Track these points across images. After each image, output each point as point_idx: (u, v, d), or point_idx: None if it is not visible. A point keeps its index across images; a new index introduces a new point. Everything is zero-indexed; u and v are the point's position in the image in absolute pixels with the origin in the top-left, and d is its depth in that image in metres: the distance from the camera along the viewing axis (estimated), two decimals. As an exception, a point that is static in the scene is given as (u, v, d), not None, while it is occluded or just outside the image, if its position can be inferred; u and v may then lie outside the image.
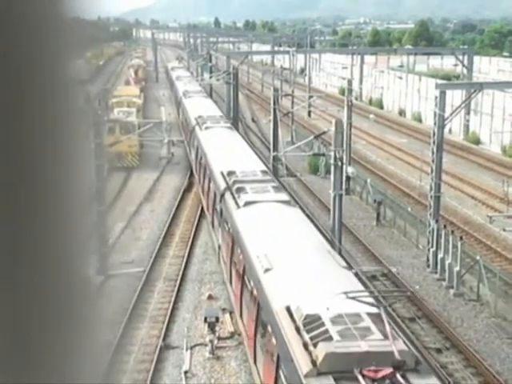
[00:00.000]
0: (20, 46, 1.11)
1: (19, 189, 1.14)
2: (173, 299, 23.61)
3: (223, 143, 32.03)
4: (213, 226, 27.16)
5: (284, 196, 22.42)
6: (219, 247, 24.57)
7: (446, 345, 20.89)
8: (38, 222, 1.16)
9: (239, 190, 22.71)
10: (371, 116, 60.50)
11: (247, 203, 21.35)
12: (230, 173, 25.07)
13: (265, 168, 27.40)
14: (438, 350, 20.51)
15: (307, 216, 23.48)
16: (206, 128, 36.12)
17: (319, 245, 17.84)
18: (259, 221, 20.02)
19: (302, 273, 15.46)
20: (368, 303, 12.91)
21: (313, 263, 16.07)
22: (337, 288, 13.58)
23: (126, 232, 31.11)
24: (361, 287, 14.94)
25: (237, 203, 21.81)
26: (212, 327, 19.93)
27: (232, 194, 22.84)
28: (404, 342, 12.00)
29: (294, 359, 11.81)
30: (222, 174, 25.65)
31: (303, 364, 11.43)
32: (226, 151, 29.92)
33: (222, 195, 23.95)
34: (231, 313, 21.77)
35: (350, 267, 17.37)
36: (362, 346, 11.35)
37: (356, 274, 16.77)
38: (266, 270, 15.95)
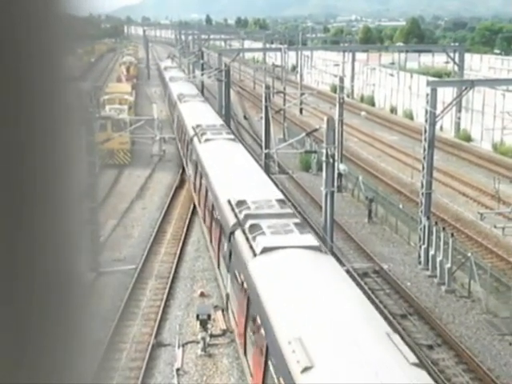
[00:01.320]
0: (10, 43, 1.11)
1: (9, 186, 1.13)
2: (165, 297, 23.60)
3: (228, 162, 27.28)
4: (218, 266, 22.76)
5: (313, 241, 17.04)
6: (227, 297, 20.25)
7: (437, 341, 20.96)
8: (28, 220, 1.16)
9: (254, 228, 18.03)
10: (363, 113, 60.46)
11: (266, 249, 16.48)
12: (240, 203, 20.50)
13: (281, 196, 22.47)
14: (430, 347, 20.57)
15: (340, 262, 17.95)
16: (206, 140, 31.53)
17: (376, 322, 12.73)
18: (284, 278, 15.03)
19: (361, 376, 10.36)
20: None
21: (372, 357, 10.89)
22: None
23: (117, 229, 31.06)
24: None
25: (252, 248, 17.01)
26: (204, 325, 19.93)
27: (245, 233, 18.16)
28: None
29: None
30: (230, 203, 21.01)
31: None
32: (233, 173, 25.25)
33: (232, 233, 19.26)
34: (223, 310, 21.77)
35: (421, 364, 12.25)
36: None
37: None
38: (305, 370, 10.80)
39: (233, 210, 20.21)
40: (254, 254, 16.48)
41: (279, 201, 20.64)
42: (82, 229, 1.31)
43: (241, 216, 19.15)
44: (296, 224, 18.09)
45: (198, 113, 40.29)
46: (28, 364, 1.18)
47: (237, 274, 17.80)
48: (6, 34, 1.10)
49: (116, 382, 18.40)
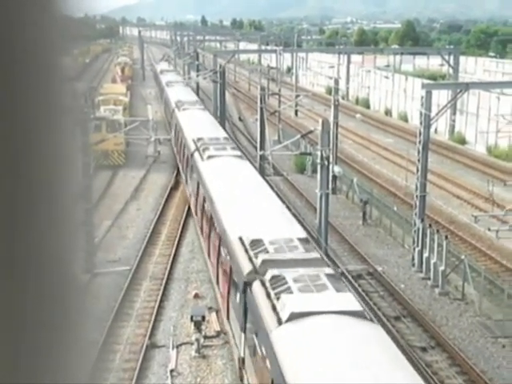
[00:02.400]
0: (5, 44, 1.11)
1: (4, 187, 1.13)
2: (159, 298, 23.58)
3: (236, 186, 23.75)
4: (228, 317, 19.07)
5: (354, 304, 13.42)
6: (242, 361, 16.37)
7: (430, 343, 20.98)
8: (23, 221, 1.16)
9: (276, 282, 14.63)
10: (358, 115, 60.50)
11: (294, 316, 12.91)
12: (255, 243, 17.16)
13: (303, 233, 18.82)
14: (423, 349, 20.59)
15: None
16: (209, 157, 28.06)
17: None
18: (319, 356, 11.72)
19: None
20: None
21: None
22: None
23: (112, 230, 31.02)
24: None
25: (276, 312, 13.46)
26: (198, 326, 19.92)
27: (265, 287, 14.68)
28: None
29: None
30: (243, 242, 17.55)
31: None
32: (243, 200, 21.77)
33: (247, 283, 15.57)
34: (217, 312, 21.75)
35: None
36: None
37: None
38: None
39: (246, 251, 16.92)
40: (279, 322, 13.04)
41: (302, 240, 17.34)
42: (77, 230, 1.31)
43: (257, 262, 15.88)
44: (329, 276, 14.71)
45: (198, 123, 36.50)
46: (23, 364, 1.18)
47: (255, 341, 14.45)
48: (1, 35, 1.10)
49: (110, 382, 18.36)
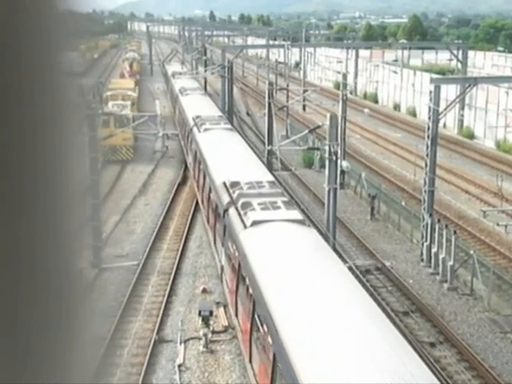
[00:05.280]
0: (13, 39, 1.10)
1: (11, 183, 1.13)
2: (167, 293, 23.61)
3: (224, 149, 28.96)
4: (214, 242, 24.59)
5: (297, 216, 19.17)
6: (222, 269, 21.90)
7: (439, 339, 20.95)
8: (31, 216, 1.16)
9: (245, 205, 19.81)
10: (366, 110, 60.55)
11: (255, 222, 18.67)
12: (234, 184, 22.33)
13: (272, 177, 24.52)
14: (432, 344, 20.56)
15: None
16: (205, 130, 32.93)
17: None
18: (271, 247, 17.17)
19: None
20: None
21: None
22: None
23: (120, 225, 31.08)
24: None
25: (243, 222, 19.04)
26: (206, 321, 19.94)
27: (237, 210, 20.02)
28: None
29: None
30: (225, 185, 22.82)
31: None
32: (229, 158, 26.99)
33: (226, 210, 21.02)
34: (225, 307, 21.78)
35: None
36: None
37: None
38: None
39: (227, 190, 21.96)
40: (245, 227, 18.37)
41: (270, 182, 22.47)
42: (85, 225, 1.31)
43: (234, 195, 20.96)
44: (284, 202, 19.80)
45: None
46: (30, 360, 1.18)
47: (230, 246, 19.58)
48: (8, 31, 1.09)
49: (118, 377, 18.41)
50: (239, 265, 17.63)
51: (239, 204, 19.93)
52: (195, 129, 34.30)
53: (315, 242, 17.31)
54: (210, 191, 25.83)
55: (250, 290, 15.57)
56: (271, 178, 23.63)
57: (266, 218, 18.38)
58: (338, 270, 15.39)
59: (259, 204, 19.46)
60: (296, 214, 18.79)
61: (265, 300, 13.92)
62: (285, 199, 20.26)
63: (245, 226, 18.40)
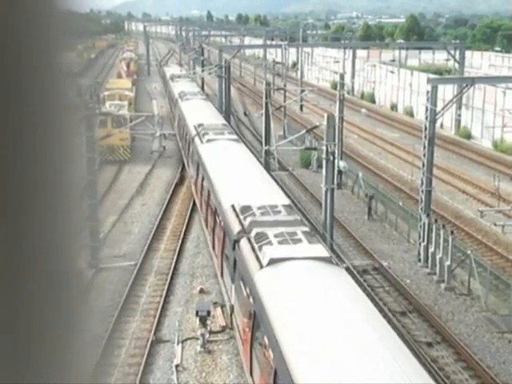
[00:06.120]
0: (11, 39, 1.10)
1: (9, 183, 1.13)
2: (164, 293, 23.61)
3: (231, 164, 26.53)
4: (222, 275, 21.95)
5: (323, 252, 16.22)
6: (232, 309, 19.28)
7: (436, 339, 20.96)
8: (28, 216, 1.16)
9: (260, 237, 17.13)
10: (363, 110, 60.58)
11: (273, 261, 15.64)
12: (245, 208, 19.59)
13: (288, 201, 21.40)
14: (429, 344, 20.58)
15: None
16: (209, 141, 30.56)
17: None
18: (293, 292, 14.33)
19: None
20: None
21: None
22: None
23: (117, 225, 31.07)
24: None
25: (258, 259, 16.13)
26: (203, 321, 19.94)
27: (250, 242, 17.28)
28: None
29: None
30: (234, 209, 20.16)
31: None
32: (237, 176, 24.44)
33: (237, 241, 18.22)
34: (222, 307, 21.77)
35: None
36: None
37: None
38: None
39: (237, 216, 19.29)
40: (261, 266, 15.57)
41: (286, 206, 19.67)
42: (82, 225, 1.31)
43: (246, 223, 18.33)
44: (304, 232, 17.15)
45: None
46: (28, 359, 1.18)
47: (242, 286, 16.94)
48: (5, 31, 1.09)
49: (115, 378, 18.41)
50: (254, 314, 14.93)
51: (252, 235, 17.36)
52: (197, 139, 31.91)
53: (347, 287, 14.48)
54: (215, 213, 23.16)
55: (270, 353, 12.87)
56: (287, 201, 20.81)
57: (285, 256, 15.59)
58: (375, 323, 12.67)
59: (276, 236, 16.81)
60: (321, 250, 16.04)
61: (289, 370, 11.33)
62: (305, 229, 17.63)
63: (261, 266, 15.60)
